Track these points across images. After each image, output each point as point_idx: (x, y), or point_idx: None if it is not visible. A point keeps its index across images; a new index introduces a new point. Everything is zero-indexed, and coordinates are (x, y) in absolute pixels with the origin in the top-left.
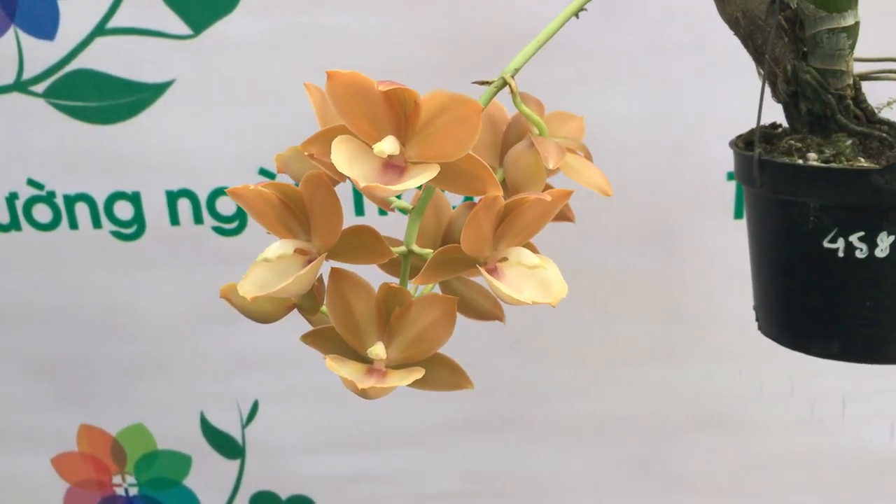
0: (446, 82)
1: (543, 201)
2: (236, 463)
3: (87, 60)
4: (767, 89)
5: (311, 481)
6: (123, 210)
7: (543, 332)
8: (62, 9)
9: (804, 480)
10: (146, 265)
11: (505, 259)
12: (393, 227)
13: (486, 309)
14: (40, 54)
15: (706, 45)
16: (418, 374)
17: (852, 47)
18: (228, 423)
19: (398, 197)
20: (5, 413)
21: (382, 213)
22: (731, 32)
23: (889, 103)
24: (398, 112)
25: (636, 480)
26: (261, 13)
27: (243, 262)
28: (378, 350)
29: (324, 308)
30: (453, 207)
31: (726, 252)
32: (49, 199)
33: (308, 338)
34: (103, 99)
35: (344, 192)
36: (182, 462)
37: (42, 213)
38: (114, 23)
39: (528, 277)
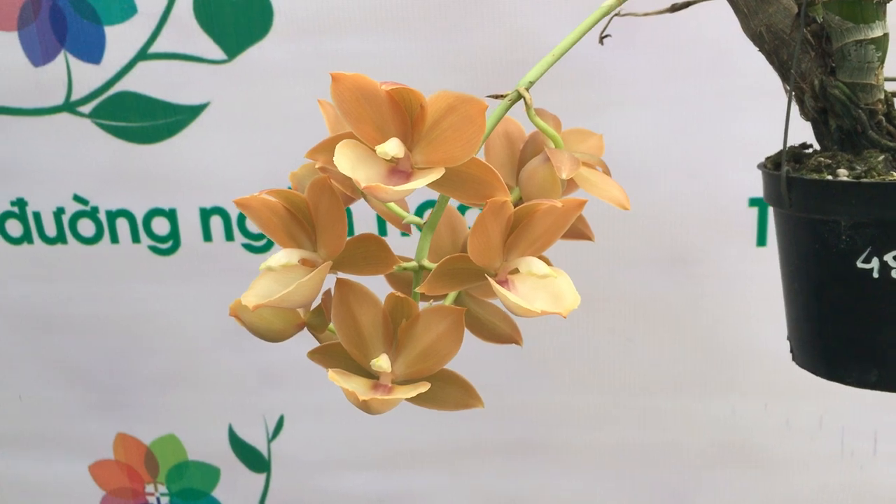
0: None
1: (556, 208)
2: (262, 477)
3: (130, 83)
4: (795, 107)
5: (335, 499)
6: (160, 226)
7: (566, 357)
8: (108, 35)
9: None
10: (181, 279)
11: (516, 271)
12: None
13: (503, 332)
14: (87, 77)
15: (728, 68)
16: (423, 388)
17: (882, 59)
18: (255, 437)
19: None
20: (46, 419)
21: (405, 234)
22: (755, 54)
23: None
24: (404, 116)
25: None
26: (292, 39)
27: None
28: (381, 362)
29: (331, 326)
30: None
31: (750, 279)
32: (93, 214)
33: (315, 354)
34: (144, 120)
35: (367, 214)
36: (211, 474)
37: (86, 227)
38: (155, 48)
39: (539, 289)
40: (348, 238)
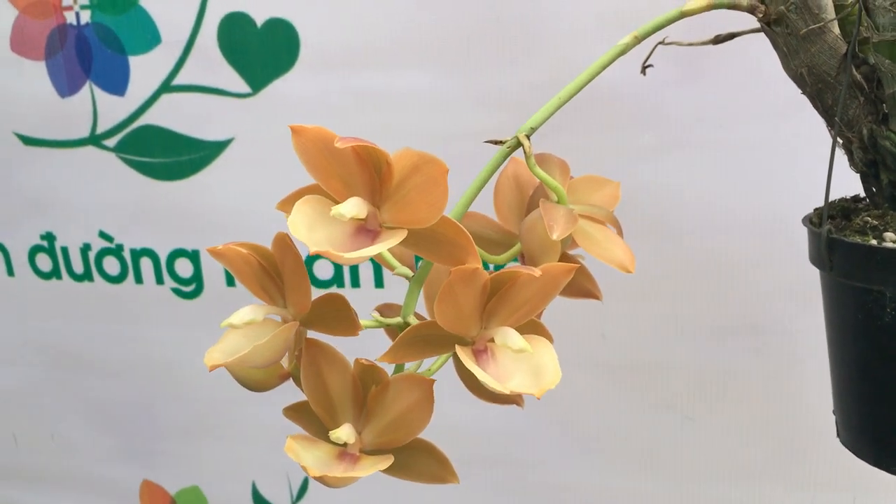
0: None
1: (535, 279)
2: None
3: (154, 117)
4: (844, 157)
5: None
6: (184, 268)
7: (616, 434)
8: (132, 65)
9: None
10: (204, 325)
11: (492, 340)
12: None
13: (503, 395)
14: (112, 109)
15: (800, 109)
16: (386, 462)
17: None
18: (279, 497)
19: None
20: (75, 460)
21: (378, 284)
22: None
23: None
24: (371, 173)
25: None
26: (317, 72)
27: None
28: (341, 434)
29: None
30: None
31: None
32: (118, 251)
33: (290, 411)
34: (168, 155)
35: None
36: None
37: (111, 265)
38: (179, 80)
39: (519, 362)
40: (317, 296)
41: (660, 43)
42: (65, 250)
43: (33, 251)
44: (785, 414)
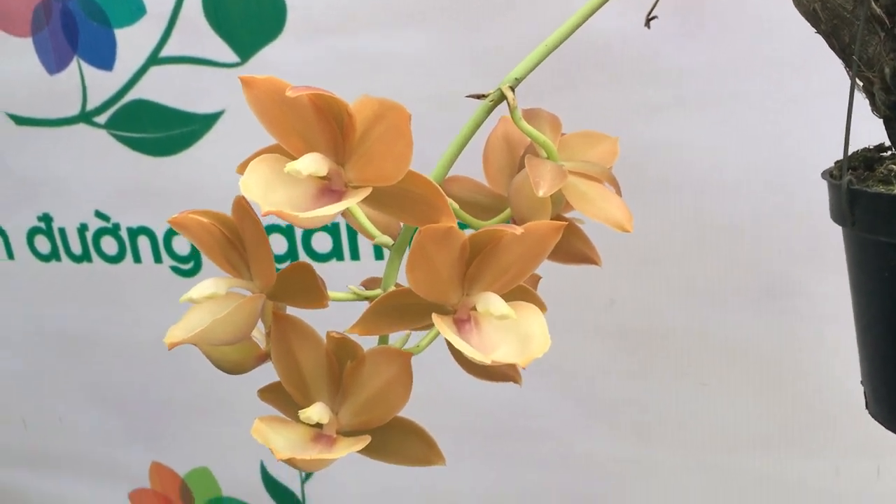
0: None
1: (517, 237)
2: None
3: (143, 90)
4: (865, 101)
5: None
6: (181, 245)
7: (628, 403)
8: (119, 38)
9: None
10: None
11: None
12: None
13: (496, 368)
14: (101, 84)
15: (818, 61)
16: (362, 443)
17: None
18: (288, 476)
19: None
20: (81, 444)
21: (379, 256)
22: None
23: None
24: (332, 127)
25: None
26: (305, 38)
27: None
28: (312, 413)
29: None
30: None
31: (851, 315)
32: (115, 231)
33: (266, 393)
34: (159, 130)
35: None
36: None
37: (109, 245)
38: (166, 51)
39: (504, 330)
40: (282, 267)
41: None
42: (62, 231)
43: (31, 233)
44: (804, 380)
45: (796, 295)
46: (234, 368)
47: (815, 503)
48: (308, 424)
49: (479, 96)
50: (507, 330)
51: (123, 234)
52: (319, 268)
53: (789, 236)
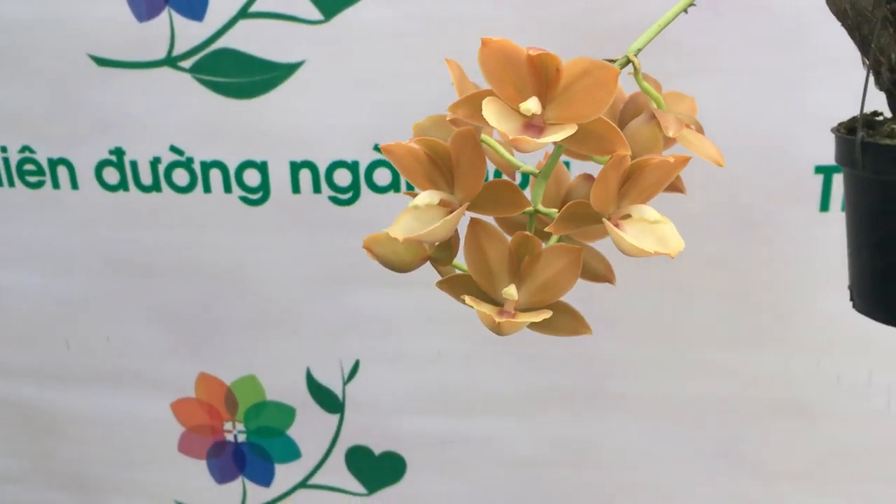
0: None
1: (667, 163)
2: (336, 417)
3: (230, 40)
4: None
5: (404, 440)
6: (252, 177)
7: (632, 310)
8: None
9: (878, 471)
10: (269, 229)
11: (627, 216)
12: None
13: (599, 271)
14: (189, 33)
15: (806, 39)
16: (546, 314)
17: None
18: (331, 380)
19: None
20: (131, 358)
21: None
22: (831, 27)
23: None
24: (541, 77)
25: (712, 461)
26: (388, 1)
27: (355, 230)
28: (511, 291)
29: (455, 262)
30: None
31: (812, 242)
32: (188, 164)
33: (443, 284)
34: (241, 76)
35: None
36: (287, 413)
37: (181, 177)
38: (256, 7)
39: (647, 233)
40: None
41: None
42: (133, 164)
43: (100, 165)
44: (768, 293)
45: (768, 224)
46: (405, 267)
47: (769, 388)
48: (490, 304)
49: (609, 61)
50: (647, 232)
51: (196, 167)
52: (380, 198)
53: (762, 180)
